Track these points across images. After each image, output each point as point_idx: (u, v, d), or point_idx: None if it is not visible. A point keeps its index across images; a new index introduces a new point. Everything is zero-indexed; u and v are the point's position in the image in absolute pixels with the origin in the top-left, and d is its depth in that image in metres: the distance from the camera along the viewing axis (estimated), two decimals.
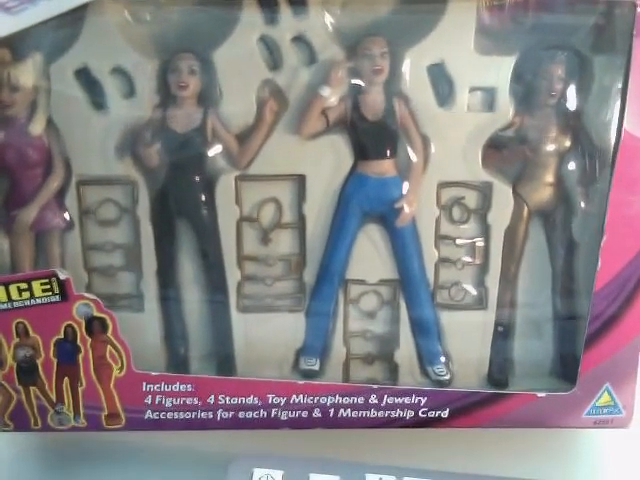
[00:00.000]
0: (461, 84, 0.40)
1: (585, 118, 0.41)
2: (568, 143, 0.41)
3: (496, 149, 0.41)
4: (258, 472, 0.34)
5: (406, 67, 0.40)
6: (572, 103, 0.41)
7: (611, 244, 0.39)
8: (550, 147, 0.41)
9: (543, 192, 0.42)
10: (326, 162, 0.41)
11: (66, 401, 0.42)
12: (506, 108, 0.40)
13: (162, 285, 0.42)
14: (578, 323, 0.42)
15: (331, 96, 0.40)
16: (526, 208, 0.42)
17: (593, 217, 0.41)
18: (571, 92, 0.41)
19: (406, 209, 0.41)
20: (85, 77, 0.40)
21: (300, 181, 0.41)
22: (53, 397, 0.41)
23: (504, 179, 0.42)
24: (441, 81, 0.40)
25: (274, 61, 0.40)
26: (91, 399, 0.41)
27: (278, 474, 0.34)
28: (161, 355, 0.43)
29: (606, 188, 0.39)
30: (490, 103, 0.41)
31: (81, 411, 0.42)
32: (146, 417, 0.42)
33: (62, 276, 0.40)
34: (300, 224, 0.42)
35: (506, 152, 0.42)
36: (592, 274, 0.40)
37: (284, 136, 0.40)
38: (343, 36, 0.40)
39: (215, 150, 0.41)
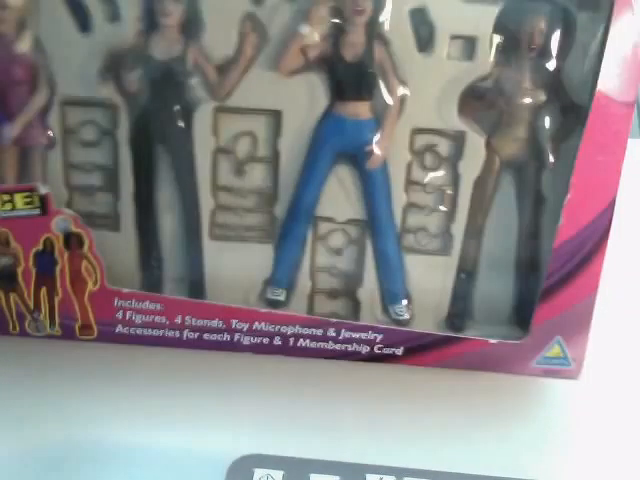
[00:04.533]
0: (442, 31, 0.40)
1: (563, 74, 0.41)
2: (544, 98, 0.41)
3: (473, 99, 0.42)
4: (258, 472, 0.34)
5: (388, 10, 0.40)
6: (552, 58, 0.41)
7: (575, 202, 0.40)
8: (526, 100, 0.41)
9: (515, 145, 0.42)
10: (303, 100, 0.42)
11: (43, 309, 0.44)
12: (485, 58, 0.41)
13: (139, 208, 0.44)
14: (538, 276, 0.43)
15: (311, 34, 0.40)
16: (497, 160, 0.43)
17: (563, 174, 0.41)
18: (552, 47, 0.41)
19: (377, 152, 0.42)
20: None
21: (276, 117, 0.42)
22: (31, 304, 0.44)
23: (478, 129, 0.42)
24: (422, 27, 0.40)
25: None
26: (66, 310, 0.44)
27: (278, 474, 0.34)
28: (136, 275, 0.45)
29: (577, 146, 0.39)
30: (470, 52, 0.41)
31: (56, 320, 0.44)
32: (117, 331, 0.44)
33: (43, 190, 0.42)
34: (274, 159, 0.43)
35: (482, 102, 0.42)
36: (555, 229, 0.41)
37: (263, 71, 0.41)
38: None
39: (195, 79, 0.42)
